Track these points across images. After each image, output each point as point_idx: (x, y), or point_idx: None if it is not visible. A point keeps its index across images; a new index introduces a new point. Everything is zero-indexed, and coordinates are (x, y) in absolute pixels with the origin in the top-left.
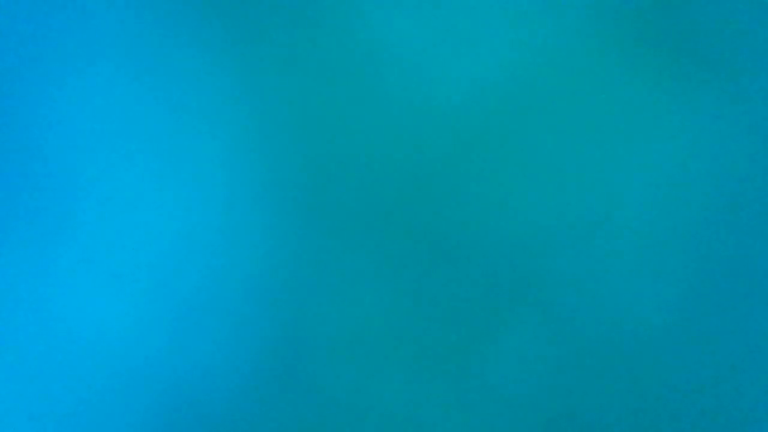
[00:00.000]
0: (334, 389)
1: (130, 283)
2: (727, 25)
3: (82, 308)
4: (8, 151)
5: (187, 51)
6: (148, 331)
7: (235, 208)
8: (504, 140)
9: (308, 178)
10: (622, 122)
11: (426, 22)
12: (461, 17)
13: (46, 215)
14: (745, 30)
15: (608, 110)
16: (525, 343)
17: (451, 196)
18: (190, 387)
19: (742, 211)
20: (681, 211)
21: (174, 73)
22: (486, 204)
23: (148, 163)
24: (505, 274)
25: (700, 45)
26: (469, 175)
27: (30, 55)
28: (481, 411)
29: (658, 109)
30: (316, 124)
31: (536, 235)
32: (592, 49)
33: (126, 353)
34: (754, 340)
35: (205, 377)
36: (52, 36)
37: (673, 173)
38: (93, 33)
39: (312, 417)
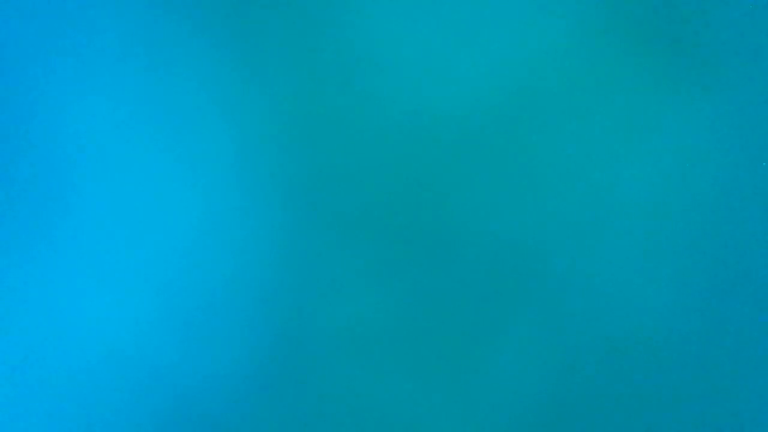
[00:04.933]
0: (334, 389)
1: (132, 284)
2: (727, 25)
3: (85, 310)
4: (17, 148)
5: (187, 51)
6: (149, 332)
7: (235, 209)
8: (504, 140)
9: (309, 178)
10: (622, 123)
11: (427, 23)
12: (461, 19)
13: (50, 216)
14: (745, 31)
15: (607, 111)
16: (525, 343)
17: (452, 195)
18: (189, 386)
19: (742, 212)
20: (681, 211)
21: (172, 74)
22: (486, 204)
23: (148, 164)
24: (505, 274)
25: (700, 46)
26: (469, 174)
27: (32, 51)
28: (481, 411)
29: (658, 110)
30: (316, 125)
31: (536, 235)
32: (590, 50)
33: (128, 354)
34: (754, 340)
35: (204, 376)
36: (54, 33)
37: (673, 174)
38: (96, 31)
39: (312, 417)
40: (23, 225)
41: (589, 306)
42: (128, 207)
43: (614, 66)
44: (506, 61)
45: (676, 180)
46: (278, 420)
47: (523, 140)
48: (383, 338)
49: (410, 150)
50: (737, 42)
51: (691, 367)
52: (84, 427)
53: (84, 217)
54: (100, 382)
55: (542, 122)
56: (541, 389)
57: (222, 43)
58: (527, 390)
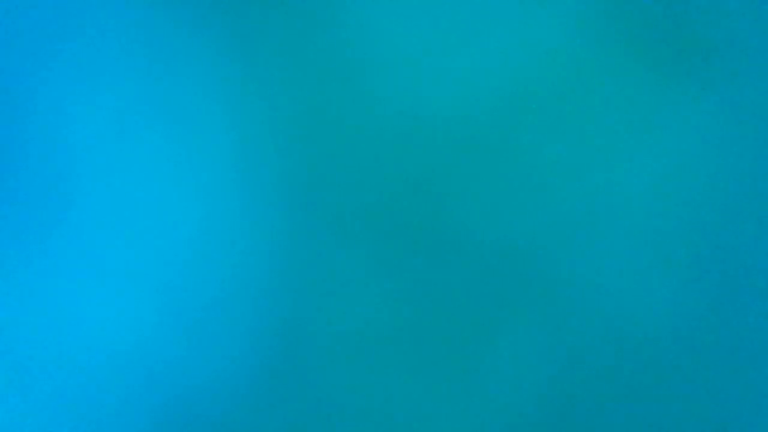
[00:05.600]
0: (334, 389)
1: (133, 285)
2: (727, 25)
3: (86, 310)
4: (18, 148)
5: (188, 51)
6: (149, 333)
7: (235, 210)
8: (503, 140)
9: (309, 179)
10: (622, 123)
11: (427, 24)
12: (461, 18)
13: (51, 216)
14: (745, 31)
15: (607, 111)
16: (525, 343)
17: (451, 195)
18: (190, 387)
19: (742, 211)
20: (681, 211)
21: (172, 74)
22: (486, 204)
23: (148, 164)
24: (505, 274)
25: (700, 46)
26: (468, 175)
27: (32, 51)
28: (481, 411)
29: (658, 110)
30: (314, 123)
31: (536, 235)
32: (590, 50)
33: (128, 354)
34: (754, 340)
35: (205, 376)
36: (55, 32)
37: (673, 174)
38: (97, 31)
39: (312, 417)
40: (24, 225)
41: (588, 306)
42: (128, 208)
43: (614, 66)
44: (506, 62)
45: (676, 180)
46: (279, 420)
47: (523, 140)
48: (384, 339)
49: (410, 151)
50: (738, 41)
51: (691, 367)
52: (84, 427)
53: (85, 218)
54: (101, 382)
55: (542, 122)
56: (541, 389)
57: (222, 43)
58: (527, 390)
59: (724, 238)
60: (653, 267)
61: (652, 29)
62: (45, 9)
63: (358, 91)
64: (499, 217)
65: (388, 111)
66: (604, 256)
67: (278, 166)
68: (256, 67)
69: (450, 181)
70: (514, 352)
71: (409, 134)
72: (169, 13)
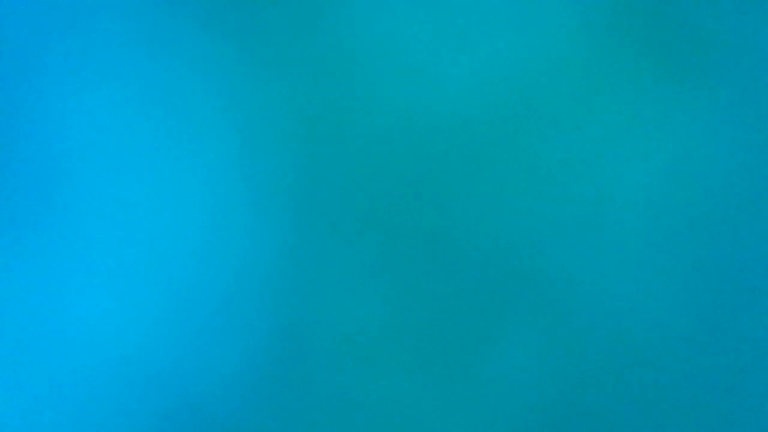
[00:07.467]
0: (336, 390)
1: (135, 286)
2: (727, 26)
3: (89, 311)
4: (23, 148)
5: (190, 51)
6: (151, 333)
7: (237, 211)
8: (503, 140)
9: (311, 181)
10: (621, 122)
11: (425, 21)
12: (461, 17)
13: (54, 216)
14: (745, 31)
15: (607, 110)
16: (525, 343)
17: (451, 195)
18: (192, 387)
19: (741, 212)
20: (680, 211)
21: (175, 73)
22: (485, 203)
23: (151, 164)
24: (505, 274)
25: (700, 46)
26: (468, 174)
27: (32, 50)
28: (481, 411)
29: (657, 109)
30: (315, 124)
31: (536, 234)
32: (590, 49)
33: (130, 355)
34: (754, 340)
35: (207, 377)
36: (55, 31)
37: (672, 173)
38: (99, 29)
39: (312, 417)
40: (27, 225)
41: (589, 307)
42: (130, 208)
43: (614, 67)
44: (506, 62)
45: (677, 181)
46: (281, 420)
47: (523, 141)
48: (386, 340)
49: (411, 152)
50: (738, 41)
51: (691, 368)
52: (86, 428)
53: (87, 218)
54: (104, 383)
55: (542, 123)
56: (540, 390)
57: (223, 43)
58: (527, 391)
59: (724, 238)
60: (654, 269)
61: (652, 30)
62: (45, 8)
63: (358, 93)
64: (500, 217)
65: (389, 112)
66: (605, 258)
67: (279, 167)
68: (257, 68)
69: (451, 183)
70: (515, 352)
71: (410, 135)
72: (170, 12)
